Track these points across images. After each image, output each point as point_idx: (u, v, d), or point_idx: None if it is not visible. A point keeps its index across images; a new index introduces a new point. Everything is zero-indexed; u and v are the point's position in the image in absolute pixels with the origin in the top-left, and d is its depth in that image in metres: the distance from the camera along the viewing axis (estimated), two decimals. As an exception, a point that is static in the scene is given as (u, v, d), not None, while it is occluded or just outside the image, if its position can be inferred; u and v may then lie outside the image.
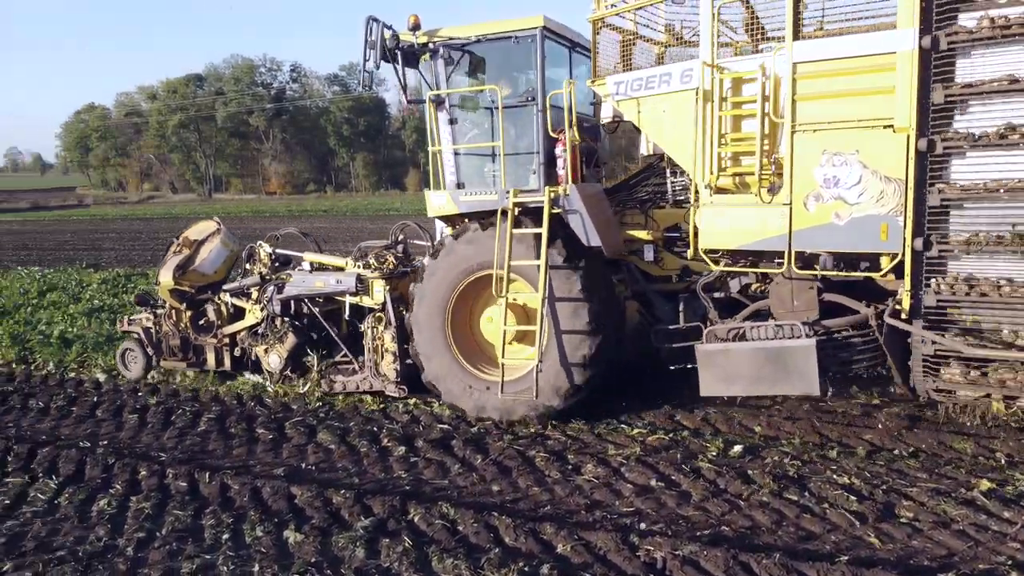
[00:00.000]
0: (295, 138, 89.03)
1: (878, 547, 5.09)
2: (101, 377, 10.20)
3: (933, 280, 6.05)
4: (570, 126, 7.69)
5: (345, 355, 9.21)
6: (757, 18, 7.11)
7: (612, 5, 7.53)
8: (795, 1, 6.35)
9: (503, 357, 7.61)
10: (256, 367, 9.68)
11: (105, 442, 7.79)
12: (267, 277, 9.51)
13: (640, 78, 7.40)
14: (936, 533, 5.23)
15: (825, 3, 6.84)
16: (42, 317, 13.61)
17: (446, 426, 7.83)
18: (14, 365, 10.97)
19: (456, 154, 8.35)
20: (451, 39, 8.14)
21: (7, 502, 6.32)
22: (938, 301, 6.08)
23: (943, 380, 6.21)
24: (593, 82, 7.78)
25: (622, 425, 7.66)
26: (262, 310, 9.46)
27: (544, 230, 7.43)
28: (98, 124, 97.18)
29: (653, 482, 6.22)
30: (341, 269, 9.14)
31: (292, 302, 9.32)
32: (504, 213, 7.60)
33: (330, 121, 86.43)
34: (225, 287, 9.85)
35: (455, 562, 4.99)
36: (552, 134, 7.86)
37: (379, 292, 8.80)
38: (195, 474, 6.69)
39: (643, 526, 5.51)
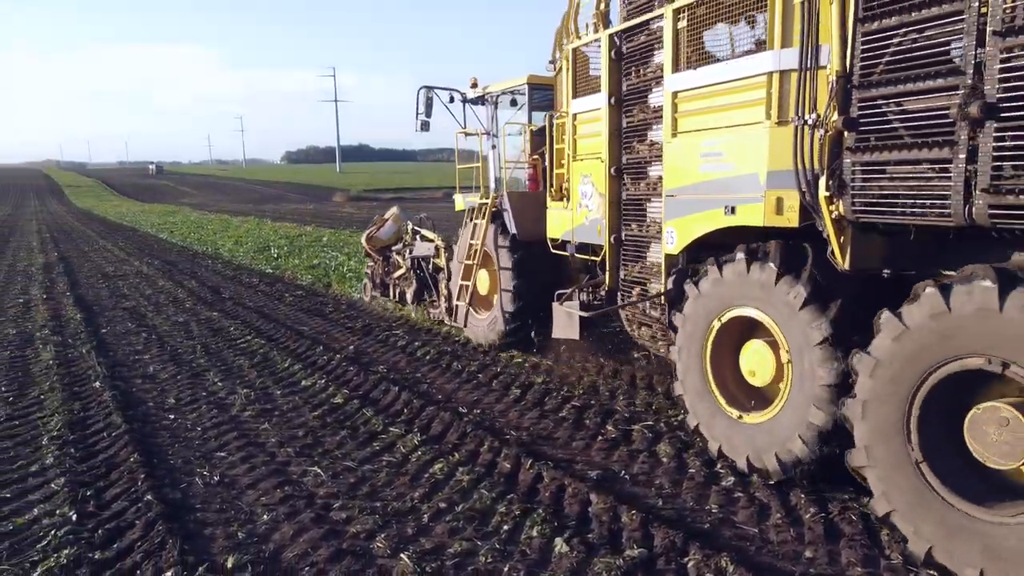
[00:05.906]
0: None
1: None
2: (515, 351, 11.23)
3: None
4: (531, 154, 11.42)
5: (434, 297, 13.79)
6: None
7: (547, 69, 10.59)
8: (573, 70, 8.91)
9: (456, 300, 11.99)
10: (404, 300, 14.79)
11: (478, 411, 8.57)
12: (407, 244, 14.61)
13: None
14: None
15: None
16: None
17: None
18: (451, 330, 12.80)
19: (500, 169, 11.87)
20: (490, 93, 11.96)
21: (377, 448, 7.40)
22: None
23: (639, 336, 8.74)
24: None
25: None
26: (404, 263, 14.46)
27: (484, 221, 11.30)
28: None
29: (1030, 608, 4.43)
30: (432, 241, 13.77)
31: (416, 260, 14.12)
32: (472, 211, 11.79)
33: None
34: (393, 248, 15.13)
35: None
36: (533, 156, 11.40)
37: (444, 257, 13.18)
38: (521, 458, 6.93)
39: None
